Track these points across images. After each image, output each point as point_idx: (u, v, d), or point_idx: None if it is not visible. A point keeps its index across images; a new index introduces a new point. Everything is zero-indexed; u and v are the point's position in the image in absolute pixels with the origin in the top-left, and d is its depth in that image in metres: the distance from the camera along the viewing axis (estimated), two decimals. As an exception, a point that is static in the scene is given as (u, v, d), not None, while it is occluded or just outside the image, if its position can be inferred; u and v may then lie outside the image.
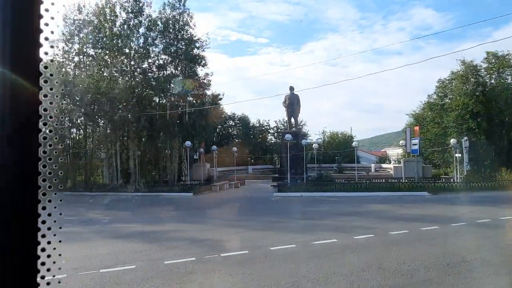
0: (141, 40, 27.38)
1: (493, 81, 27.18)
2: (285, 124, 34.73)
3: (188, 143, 24.42)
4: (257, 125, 44.42)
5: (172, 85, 27.84)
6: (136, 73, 27.53)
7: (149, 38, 27.59)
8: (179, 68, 29.51)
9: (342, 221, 11.12)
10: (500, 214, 11.19)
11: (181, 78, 28.52)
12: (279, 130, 42.18)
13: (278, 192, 21.34)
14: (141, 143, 28.58)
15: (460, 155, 24.93)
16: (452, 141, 24.79)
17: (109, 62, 26.96)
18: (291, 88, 30.93)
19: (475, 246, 7.36)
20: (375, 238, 8.29)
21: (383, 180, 25.36)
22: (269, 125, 45.21)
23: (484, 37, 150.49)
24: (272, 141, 44.39)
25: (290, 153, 24.28)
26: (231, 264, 6.53)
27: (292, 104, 30.74)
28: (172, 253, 7.51)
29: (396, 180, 23.65)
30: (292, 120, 32.00)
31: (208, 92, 31.91)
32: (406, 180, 23.41)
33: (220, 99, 32.76)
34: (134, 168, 27.11)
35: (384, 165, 38.40)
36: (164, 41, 28.02)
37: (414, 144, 24.11)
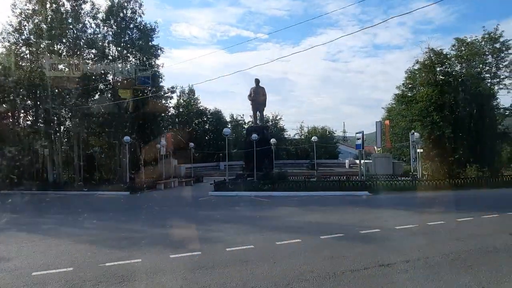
0: (87, 29, 25.73)
1: (464, 70, 24.95)
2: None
3: (127, 138, 22.62)
4: (230, 119, 42.63)
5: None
6: (80, 65, 25.83)
7: (93, 25, 25.97)
8: (130, 59, 27.84)
9: (199, 230, 9.26)
10: (403, 222, 9.27)
11: (133, 68, 26.85)
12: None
13: (215, 191, 19.53)
14: (86, 138, 27.03)
15: (421, 150, 22.95)
16: (415, 135, 22.79)
17: (49, 54, 25.31)
18: (257, 81, 28.84)
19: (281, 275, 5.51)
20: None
21: (343, 178, 23.35)
22: (243, 120, 43.55)
23: (488, 30, 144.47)
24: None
25: (233, 150, 22.42)
26: None
27: (257, 97, 28.80)
28: None
29: (345, 178, 21.57)
30: (258, 114, 30.16)
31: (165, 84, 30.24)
32: (355, 178, 21.45)
33: (174, 91, 31.00)
34: (78, 165, 25.57)
35: (357, 161, 36.42)
36: (111, 30, 26.33)
37: (358, 139, 22.06)
